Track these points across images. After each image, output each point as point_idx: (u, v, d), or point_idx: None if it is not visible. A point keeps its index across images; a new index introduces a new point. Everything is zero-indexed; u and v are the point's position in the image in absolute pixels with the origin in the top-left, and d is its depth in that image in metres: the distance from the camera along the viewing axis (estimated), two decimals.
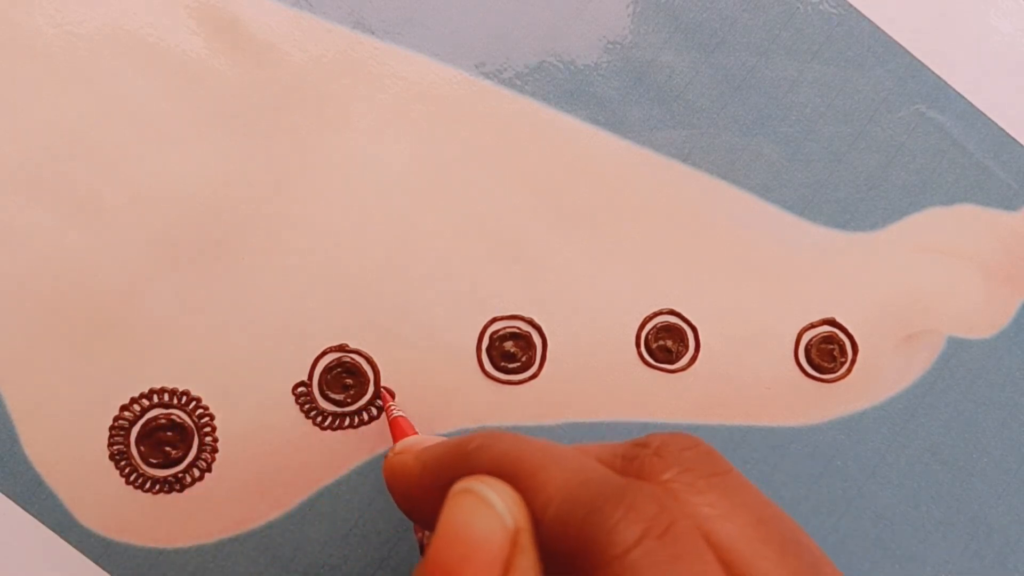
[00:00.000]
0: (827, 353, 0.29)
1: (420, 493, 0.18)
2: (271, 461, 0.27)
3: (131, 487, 0.26)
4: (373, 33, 0.28)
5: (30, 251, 0.26)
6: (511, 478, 0.15)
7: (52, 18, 0.27)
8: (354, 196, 0.28)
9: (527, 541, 0.15)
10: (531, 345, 0.28)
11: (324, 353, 0.27)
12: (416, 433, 0.24)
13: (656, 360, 0.28)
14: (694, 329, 0.28)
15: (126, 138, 0.27)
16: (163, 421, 0.26)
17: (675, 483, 0.16)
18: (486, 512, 0.15)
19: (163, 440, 0.26)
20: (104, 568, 0.26)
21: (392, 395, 0.27)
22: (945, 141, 0.30)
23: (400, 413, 0.25)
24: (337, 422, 0.27)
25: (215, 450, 0.26)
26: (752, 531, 0.15)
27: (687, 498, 0.15)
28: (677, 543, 0.14)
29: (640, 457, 0.16)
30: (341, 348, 0.27)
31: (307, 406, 0.27)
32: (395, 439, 0.24)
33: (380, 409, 0.27)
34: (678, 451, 0.16)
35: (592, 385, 0.28)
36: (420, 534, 0.21)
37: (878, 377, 0.29)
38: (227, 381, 0.27)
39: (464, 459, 0.16)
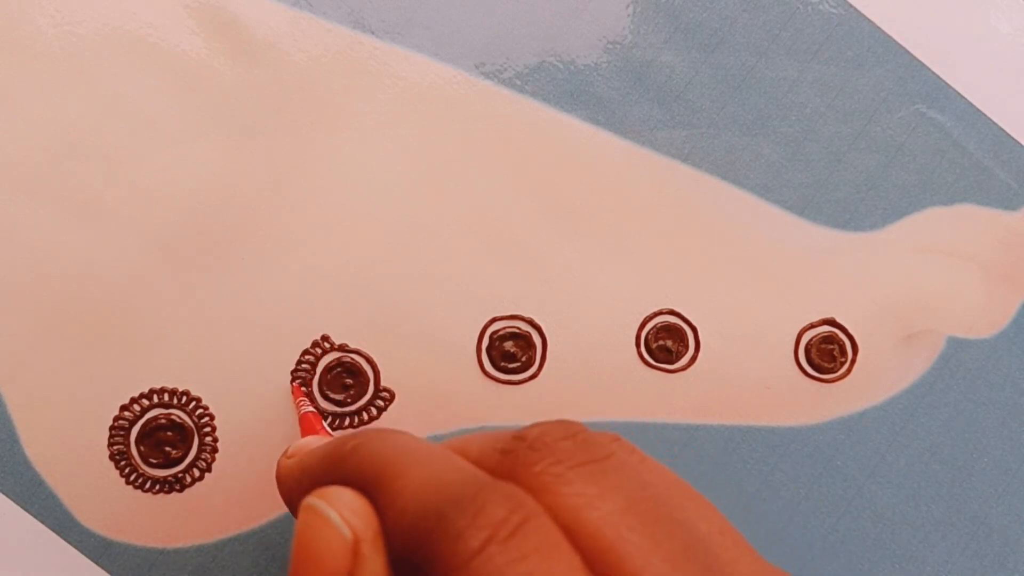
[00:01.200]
0: (827, 353, 0.29)
1: (298, 497, 0.17)
2: (271, 461, 0.27)
3: (131, 487, 0.26)
4: (373, 33, 0.28)
5: (30, 251, 0.26)
6: (373, 484, 0.15)
7: (52, 18, 0.27)
8: (354, 196, 0.28)
9: (369, 550, 0.15)
10: (531, 345, 0.28)
11: (326, 352, 0.27)
12: (324, 431, 0.23)
13: (656, 360, 0.28)
14: (694, 329, 0.28)
15: (126, 138, 0.27)
16: (163, 421, 0.26)
17: (545, 475, 0.15)
18: (324, 526, 0.15)
19: (163, 440, 0.26)
20: (104, 568, 0.26)
21: (303, 391, 0.26)
22: (945, 141, 0.30)
23: (310, 409, 0.25)
24: (337, 422, 0.27)
25: (215, 450, 0.26)
26: (618, 517, 0.14)
27: (556, 489, 0.15)
28: (525, 543, 0.13)
29: (516, 451, 0.16)
30: (342, 348, 0.27)
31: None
32: (302, 436, 0.24)
33: (380, 409, 0.27)
34: (553, 442, 0.16)
35: (592, 385, 0.28)
36: None
37: (878, 377, 0.29)
38: (227, 381, 0.27)
39: (339, 463, 0.16)
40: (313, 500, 0.15)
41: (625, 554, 0.14)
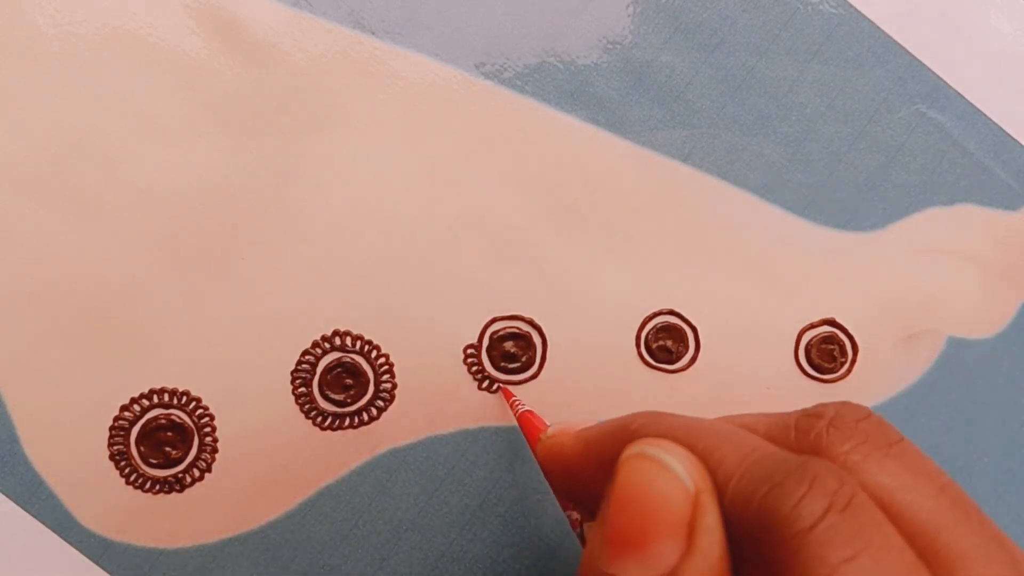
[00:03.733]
0: (827, 353, 0.29)
1: (583, 471, 0.18)
2: (271, 461, 0.27)
3: (131, 487, 0.26)
4: (373, 33, 0.28)
5: (30, 251, 0.26)
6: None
7: (52, 18, 0.27)
8: (353, 196, 0.28)
9: (709, 501, 0.15)
10: (531, 345, 0.28)
11: (326, 352, 0.27)
12: (546, 425, 0.24)
13: (656, 360, 0.28)
14: (694, 329, 0.28)
15: (126, 138, 0.27)
16: (163, 421, 0.26)
17: (853, 455, 0.15)
18: (664, 474, 0.15)
19: (163, 440, 0.26)
20: (104, 568, 0.26)
21: (510, 391, 0.27)
22: (945, 141, 0.30)
23: (528, 408, 0.25)
24: (337, 422, 0.27)
25: (215, 450, 0.26)
26: (934, 501, 0.15)
27: (866, 469, 0.15)
28: (859, 516, 0.14)
29: (815, 429, 0.16)
30: (342, 348, 0.27)
31: (307, 406, 0.27)
32: (528, 431, 0.24)
33: (380, 409, 0.27)
34: (853, 422, 0.16)
35: (592, 385, 0.28)
36: (575, 513, 0.21)
37: (878, 377, 0.29)
38: (227, 381, 0.27)
39: (629, 436, 0.16)
40: (650, 449, 0.15)
41: (948, 541, 0.14)
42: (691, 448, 0.15)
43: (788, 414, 0.17)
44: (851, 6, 0.30)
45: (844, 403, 0.17)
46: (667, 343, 0.28)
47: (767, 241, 0.29)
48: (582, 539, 0.20)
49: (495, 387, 0.27)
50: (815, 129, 0.29)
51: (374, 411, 0.27)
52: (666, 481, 0.15)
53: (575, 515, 0.20)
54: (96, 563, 0.26)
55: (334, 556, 0.26)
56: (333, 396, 0.27)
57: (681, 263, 0.29)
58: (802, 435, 0.16)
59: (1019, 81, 0.30)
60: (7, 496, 0.26)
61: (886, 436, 0.16)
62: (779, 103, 0.29)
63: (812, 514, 0.14)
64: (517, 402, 0.26)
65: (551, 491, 0.21)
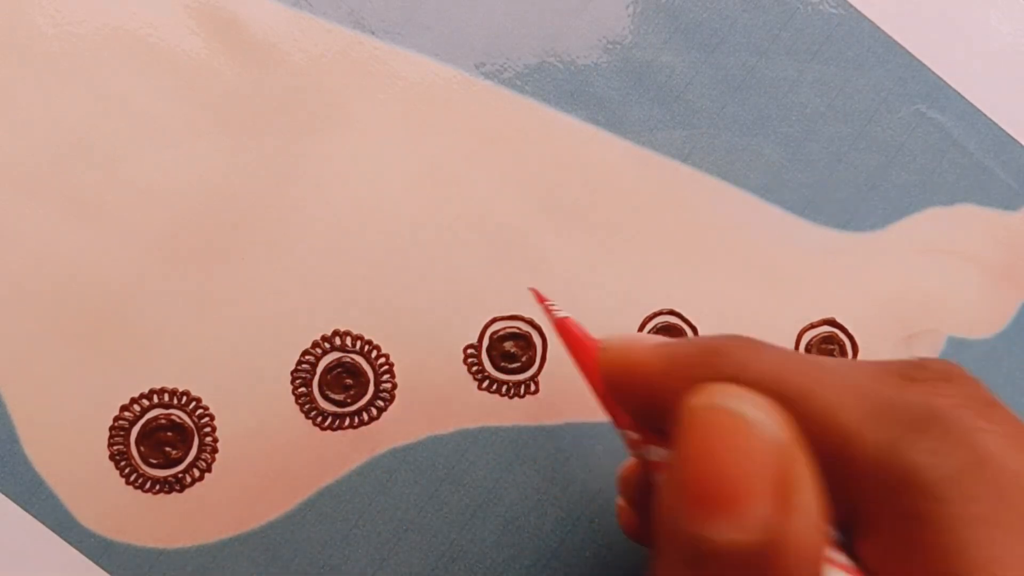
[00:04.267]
0: (827, 353, 0.29)
1: (661, 386, 0.17)
2: (271, 461, 0.27)
3: (131, 487, 0.26)
4: (373, 33, 0.28)
5: (30, 251, 0.26)
6: (776, 398, 0.14)
7: (52, 18, 0.27)
8: (354, 196, 0.28)
9: (799, 453, 0.14)
10: (531, 345, 0.28)
11: (326, 352, 0.27)
12: (590, 334, 0.21)
13: None
14: (694, 329, 0.28)
15: (126, 138, 0.27)
16: (163, 421, 0.26)
17: (963, 409, 0.15)
18: (743, 428, 0.14)
19: (163, 440, 0.26)
20: (104, 568, 0.26)
21: (542, 296, 0.24)
22: (945, 141, 0.30)
23: (566, 314, 0.22)
24: (337, 422, 0.27)
25: (215, 450, 0.26)
26: None
27: (976, 425, 0.15)
28: (991, 470, 0.14)
29: (924, 380, 0.16)
30: (342, 348, 0.27)
31: (307, 406, 0.27)
32: (571, 339, 0.21)
33: (380, 409, 0.27)
34: (960, 381, 0.16)
35: None
36: (633, 432, 0.19)
37: None
38: (227, 381, 0.27)
39: (722, 364, 0.16)
40: (723, 401, 0.14)
41: None
42: (789, 385, 0.15)
43: (888, 362, 0.16)
44: (851, 6, 0.30)
45: (943, 360, 0.16)
46: None
47: (767, 241, 0.29)
48: (643, 460, 0.19)
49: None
50: (815, 129, 0.29)
51: (374, 411, 0.27)
52: (747, 435, 0.14)
53: (634, 434, 0.19)
54: (96, 563, 0.26)
55: (334, 556, 0.26)
56: (333, 396, 0.27)
57: (681, 263, 0.29)
58: (908, 384, 0.16)
59: (1019, 81, 0.30)
60: (7, 496, 0.26)
61: (989, 395, 0.16)
62: (779, 103, 0.29)
63: (954, 464, 0.14)
64: (553, 306, 0.23)
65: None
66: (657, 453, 0.18)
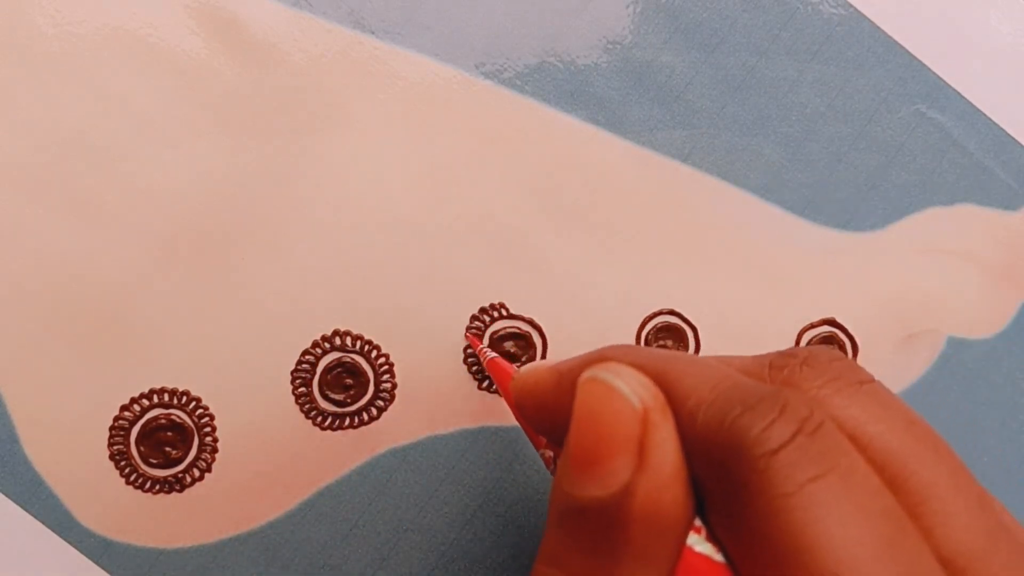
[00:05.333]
0: None
1: (557, 402, 0.18)
2: (271, 461, 0.27)
3: (131, 487, 0.26)
4: (373, 33, 0.28)
5: (30, 251, 0.26)
6: (658, 379, 0.16)
7: (52, 18, 0.27)
8: (353, 196, 0.28)
9: (660, 419, 0.15)
10: (531, 345, 0.28)
11: (326, 352, 0.27)
12: (515, 368, 0.24)
13: None
14: (694, 329, 0.28)
15: (126, 138, 0.27)
16: (163, 421, 0.26)
17: (824, 390, 0.16)
18: (611, 395, 0.15)
19: (163, 440, 0.26)
20: (104, 568, 0.26)
21: (477, 338, 0.27)
22: (945, 141, 0.30)
23: (494, 355, 0.25)
24: (337, 422, 0.27)
25: (215, 450, 0.26)
26: (903, 433, 0.15)
27: (836, 403, 0.16)
28: (827, 440, 0.14)
29: (788, 366, 0.17)
30: (342, 348, 0.27)
31: (307, 406, 0.27)
32: (498, 375, 0.24)
33: (380, 409, 0.27)
34: (827, 361, 0.17)
35: None
36: (549, 451, 0.21)
37: (878, 377, 0.29)
38: (227, 381, 0.27)
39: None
40: (598, 372, 0.16)
41: (915, 469, 0.15)
42: (660, 375, 0.16)
43: (763, 355, 0.17)
44: (851, 6, 0.30)
45: (818, 346, 0.17)
46: (667, 343, 0.28)
47: (767, 241, 0.29)
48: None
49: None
50: (815, 129, 0.29)
51: (374, 411, 0.27)
52: (615, 399, 0.15)
53: (549, 452, 0.20)
54: (96, 563, 0.26)
55: (334, 556, 0.26)
56: (333, 396, 0.27)
57: (681, 263, 0.29)
58: (775, 372, 0.17)
59: (1019, 81, 0.30)
60: (7, 496, 0.26)
61: (857, 375, 0.16)
62: (779, 103, 0.29)
63: (781, 436, 0.14)
64: (485, 349, 0.26)
65: (524, 434, 0.21)
66: None
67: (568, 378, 0.18)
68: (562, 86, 0.29)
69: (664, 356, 0.17)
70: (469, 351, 0.27)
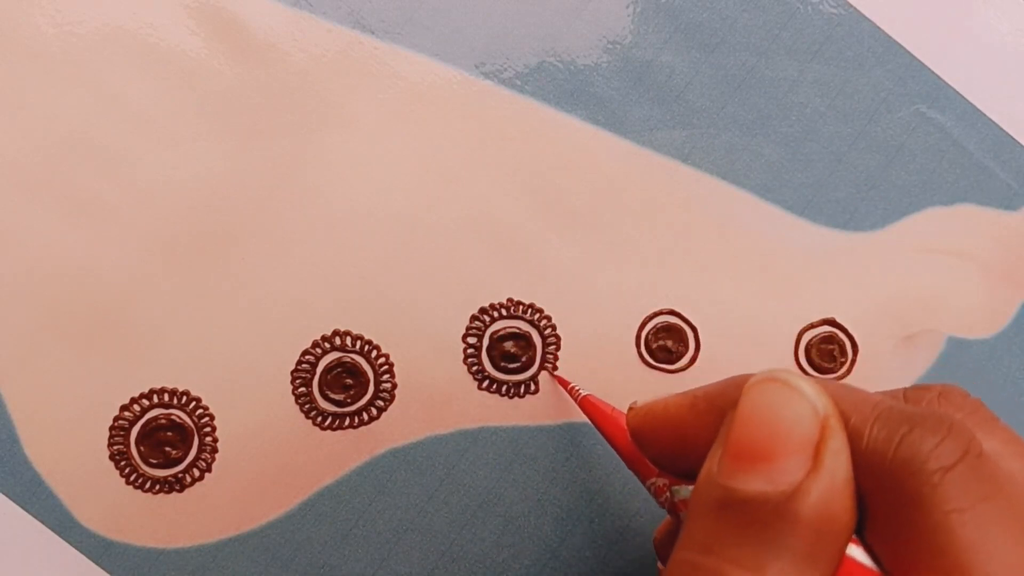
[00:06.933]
0: (827, 353, 0.29)
1: (692, 424, 0.18)
2: (271, 461, 0.27)
3: (131, 487, 0.26)
4: (373, 33, 0.28)
5: (30, 251, 0.26)
6: None
7: (52, 18, 0.27)
8: (354, 196, 0.28)
9: (837, 426, 0.15)
10: (531, 345, 0.28)
11: (326, 352, 0.27)
12: (609, 405, 0.24)
13: (656, 360, 0.28)
14: (694, 329, 0.28)
15: (126, 138, 0.27)
16: (163, 421, 0.26)
17: (965, 416, 0.17)
18: (794, 398, 0.16)
19: (163, 440, 0.26)
20: (104, 568, 0.26)
21: (559, 375, 0.27)
22: (945, 141, 0.30)
23: (588, 392, 0.25)
24: (337, 422, 0.27)
25: (215, 450, 0.26)
26: None
27: (976, 429, 0.16)
28: (989, 465, 0.15)
29: (925, 399, 0.17)
30: (342, 348, 0.27)
31: (307, 406, 0.27)
32: (595, 412, 0.24)
33: (380, 409, 0.27)
34: (962, 396, 0.18)
35: (592, 385, 0.28)
36: (661, 479, 0.21)
37: (878, 377, 0.29)
38: (227, 381, 0.27)
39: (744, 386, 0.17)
40: (779, 374, 0.16)
41: None
42: None
43: (894, 390, 0.18)
44: (851, 6, 0.30)
45: (947, 384, 0.18)
46: (667, 343, 0.28)
47: (767, 241, 0.29)
48: (671, 506, 0.20)
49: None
50: (815, 129, 0.29)
51: (374, 411, 0.27)
52: (796, 401, 0.15)
53: (662, 481, 0.20)
54: (96, 563, 0.26)
55: (334, 556, 0.26)
56: (333, 396, 0.27)
57: (681, 263, 0.29)
58: (914, 403, 0.17)
59: (1019, 81, 0.30)
60: (7, 496, 0.26)
61: (989, 411, 0.17)
62: (779, 103, 0.29)
63: (953, 454, 0.14)
64: (576, 388, 0.26)
65: (625, 465, 0.21)
66: (686, 491, 0.19)
67: (706, 401, 0.18)
68: (562, 86, 0.29)
69: (817, 379, 0.17)
70: (470, 351, 0.28)
